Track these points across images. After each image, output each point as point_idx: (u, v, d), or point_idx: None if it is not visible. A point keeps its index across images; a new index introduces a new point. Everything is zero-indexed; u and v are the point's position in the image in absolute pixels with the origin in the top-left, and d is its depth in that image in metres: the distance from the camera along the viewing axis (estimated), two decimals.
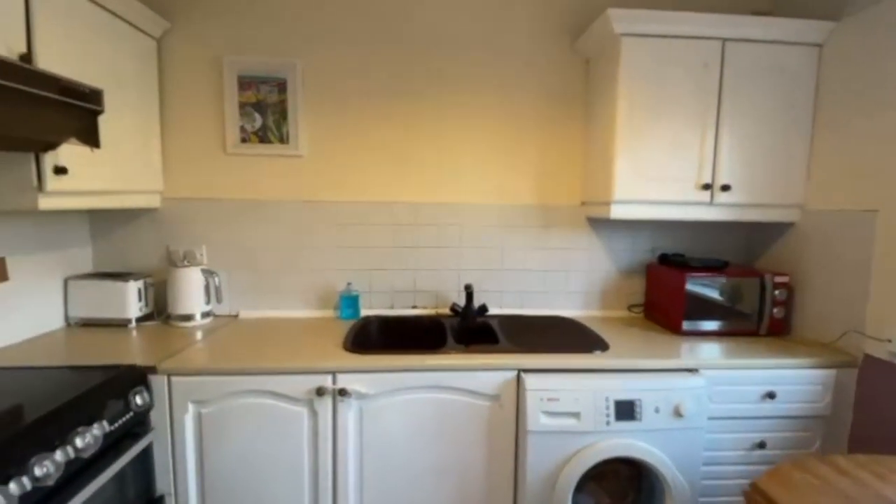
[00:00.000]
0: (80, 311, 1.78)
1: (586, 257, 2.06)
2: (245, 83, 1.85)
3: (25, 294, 1.59)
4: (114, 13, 1.56)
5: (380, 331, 1.90)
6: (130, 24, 1.65)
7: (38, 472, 0.94)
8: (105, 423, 1.16)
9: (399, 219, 1.97)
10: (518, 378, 1.44)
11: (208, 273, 1.84)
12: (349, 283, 1.92)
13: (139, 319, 1.82)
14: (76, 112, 1.20)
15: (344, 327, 1.77)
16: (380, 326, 1.90)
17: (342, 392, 1.40)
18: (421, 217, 1.97)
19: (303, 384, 1.40)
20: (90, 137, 1.26)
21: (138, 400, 1.28)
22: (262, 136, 1.88)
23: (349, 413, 1.43)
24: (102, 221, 1.90)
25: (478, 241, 2.01)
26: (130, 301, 1.78)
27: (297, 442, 1.43)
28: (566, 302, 2.07)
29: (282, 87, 1.86)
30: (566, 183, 2.02)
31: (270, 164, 1.91)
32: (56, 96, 1.08)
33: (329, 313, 1.97)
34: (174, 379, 1.38)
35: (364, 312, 1.96)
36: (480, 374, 1.44)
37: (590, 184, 1.93)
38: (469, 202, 1.99)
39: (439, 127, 1.95)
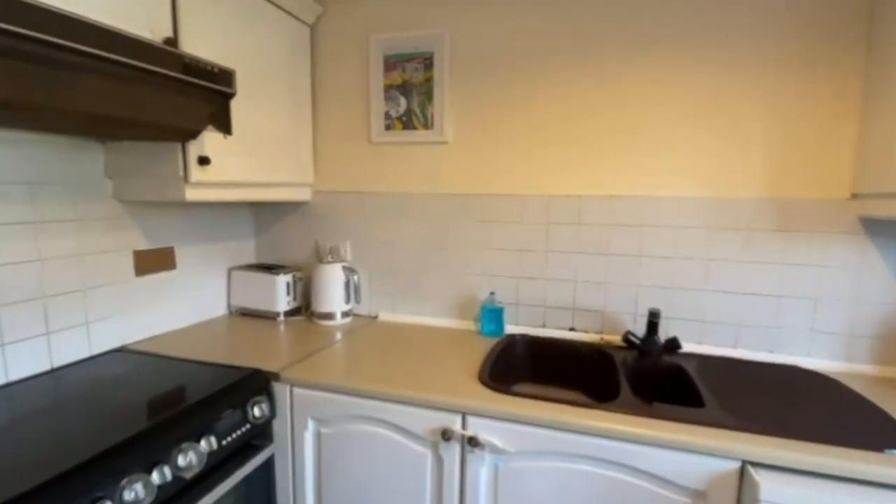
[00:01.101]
0: (239, 301, 1.83)
1: (853, 280, 1.33)
2: (391, 63, 1.66)
3: (192, 282, 1.68)
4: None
5: (527, 356, 1.52)
6: (283, 10, 1.59)
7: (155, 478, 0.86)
8: (221, 433, 1.06)
9: (558, 216, 1.55)
10: (742, 473, 0.91)
11: (349, 271, 1.72)
12: (492, 293, 1.59)
13: (287, 313, 1.79)
14: (209, 95, 1.12)
15: (483, 346, 1.45)
16: (527, 350, 1.53)
17: (472, 441, 1.07)
18: (587, 215, 1.52)
19: (427, 421, 1.12)
20: (222, 124, 1.17)
21: (256, 411, 1.17)
22: (407, 122, 1.67)
23: (481, 468, 1.10)
24: (263, 214, 1.94)
25: (668, 249, 1.46)
26: (279, 294, 1.77)
27: (420, 485, 1.16)
28: (811, 346, 1.37)
29: (428, 62, 1.62)
30: (822, 164, 1.33)
31: (414, 152, 1.70)
32: (177, 74, 0.98)
33: (469, 325, 1.67)
34: (296, 391, 1.24)
35: (509, 329, 1.61)
36: (677, 456, 0.95)
37: (874, 165, 1.21)
38: (656, 195, 1.46)
39: (617, 98, 1.46)
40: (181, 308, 1.64)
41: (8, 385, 1.14)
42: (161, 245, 1.56)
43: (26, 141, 1.17)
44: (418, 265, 1.74)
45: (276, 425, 1.27)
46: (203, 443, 1.01)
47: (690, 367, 1.29)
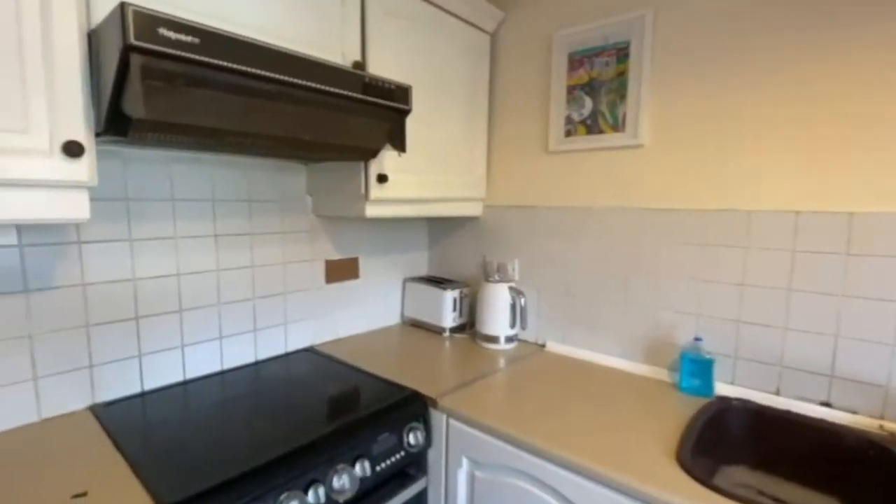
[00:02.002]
0: (411, 312, 1.87)
1: None
2: (576, 61, 1.46)
3: (372, 291, 1.77)
4: (448, 11, 1.47)
5: (747, 432, 1.13)
6: (465, 21, 1.55)
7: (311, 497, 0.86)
8: (376, 458, 1.04)
9: (811, 241, 1.11)
10: None
11: (516, 292, 1.58)
12: (697, 338, 1.24)
13: (453, 329, 1.75)
14: (386, 113, 1.11)
15: (682, 407, 1.13)
16: (748, 424, 1.13)
17: None
18: (864, 241, 1.05)
19: (603, 501, 0.89)
20: (398, 141, 1.16)
21: (412, 439, 1.12)
22: (591, 125, 1.45)
23: None
24: (437, 226, 1.95)
25: None
26: (446, 310, 1.74)
27: None
28: None
29: (622, 54, 1.37)
30: None
31: (598, 159, 1.46)
32: (360, 95, 0.99)
33: (660, 374, 1.34)
34: (452, 423, 1.15)
35: (720, 389, 1.23)
36: None
37: None
38: None
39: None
40: (361, 314, 1.74)
41: (222, 372, 1.34)
42: (348, 255, 1.68)
43: (244, 164, 1.36)
44: (597, 292, 1.48)
45: (431, 456, 1.20)
46: (357, 467, 0.99)
47: None
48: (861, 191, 1.04)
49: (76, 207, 0.82)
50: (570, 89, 1.48)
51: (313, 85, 0.91)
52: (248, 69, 0.81)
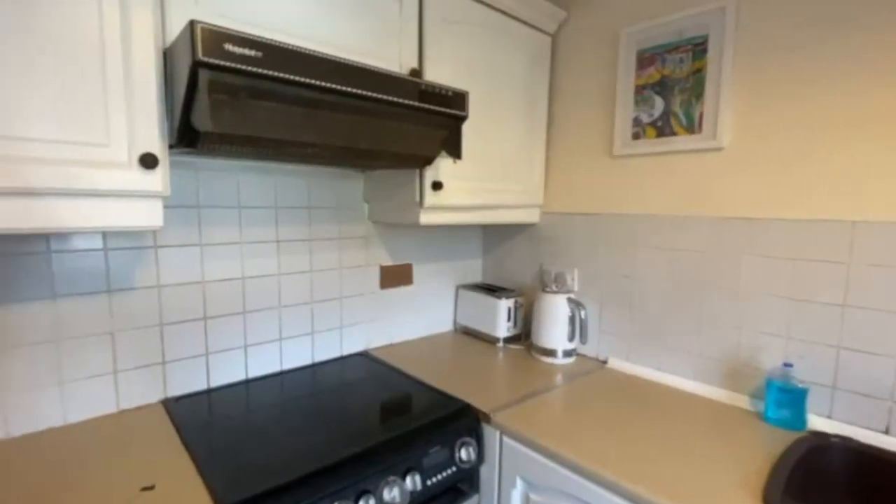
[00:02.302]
0: (464, 319, 1.84)
1: None
2: (645, 59, 1.37)
3: (425, 297, 1.76)
4: (508, 14, 1.43)
5: (850, 478, 0.98)
6: (526, 23, 1.50)
7: None
8: (427, 472, 1.01)
9: None
10: None
11: (575, 304, 1.50)
12: (787, 364, 1.10)
13: (507, 339, 1.70)
14: (442, 120, 1.09)
15: (768, 440, 1.00)
16: (850, 467, 0.98)
17: None
18: None
19: None
20: (453, 148, 1.13)
21: (463, 454, 1.08)
22: (662, 127, 1.34)
23: None
24: (491, 233, 1.91)
25: None
26: (500, 319, 1.69)
27: None
28: None
29: (699, 49, 1.25)
30: None
31: (670, 164, 1.35)
32: (415, 102, 0.97)
33: (740, 401, 1.21)
34: (506, 440, 1.10)
35: (815, 422, 1.08)
36: None
37: None
38: None
39: None
40: (414, 321, 1.73)
41: (281, 373, 1.38)
42: (402, 262, 1.68)
43: (306, 173, 1.39)
44: (666, 306, 1.37)
45: (484, 472, 1.16)
46: (408, 480, 0.97)
47: None
48: None
49: (151, 216, 0.87)
50: (639, 89, 1.38)
51: (369, 94, 0.90)
52: (307, 80, 0.82)
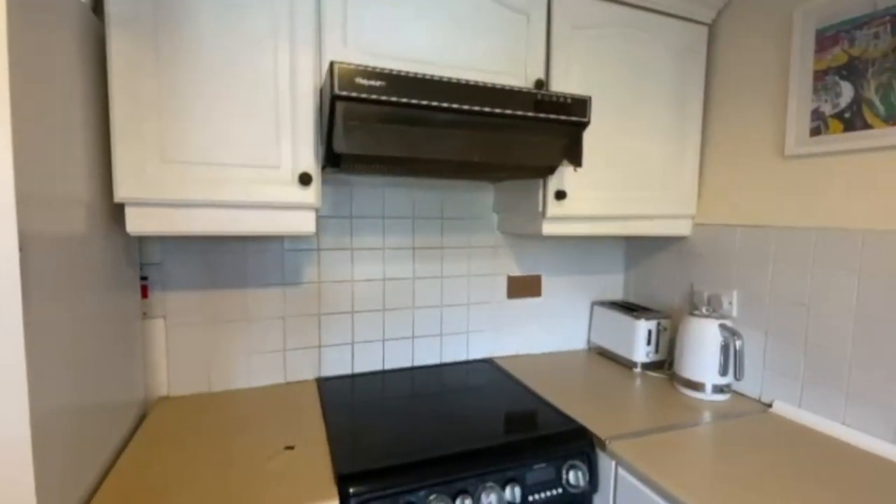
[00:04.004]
0: (598, 338, 1.73)
1: None
2: (827, 39, 1.11)
3: (555, 311, 1.72)
4: (652, 9, 1.33)
5: None
6: (673, 15, 1.37)
7: None
8: (529, 488, 1.00)
9: None
10: None
11: (730, 333, 1.28)
12: None
13: (646, 365, 1.54)
14: (562, 128, 1.07)
15: None
16: None
17: None
18: None
19: None
20: (574, 156, 1.10)
21: (571, 477, 1.03)
22: (851, 119, 1.07)
23: None
24: (635, 247, 1.76)
25: None
26: (638, 342, 1.54)
27: None
28: None
29: None
30: None
31: (863, 165, 1.06)
32: (526, 112, 0.99)
33: None
34: (622, 473, 1.01)
35: None
36: None
37: None
38: None
39: None
40: (541, 334, 1.70)
41: (412, 368, 1.51)
42: (530, 273, 1.67)
43: (440, 186, 1.51)
44: (857, 345, 1.07)
45: (598, 502, 1.07)
46: (507, 490, 0.97)
47: None
48: None
49: (305, 223, 1.06)
50: (820, 75, 1.13)
51: (479, 108, 0.95)
52: (422, 102, 0.91)
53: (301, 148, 1.03)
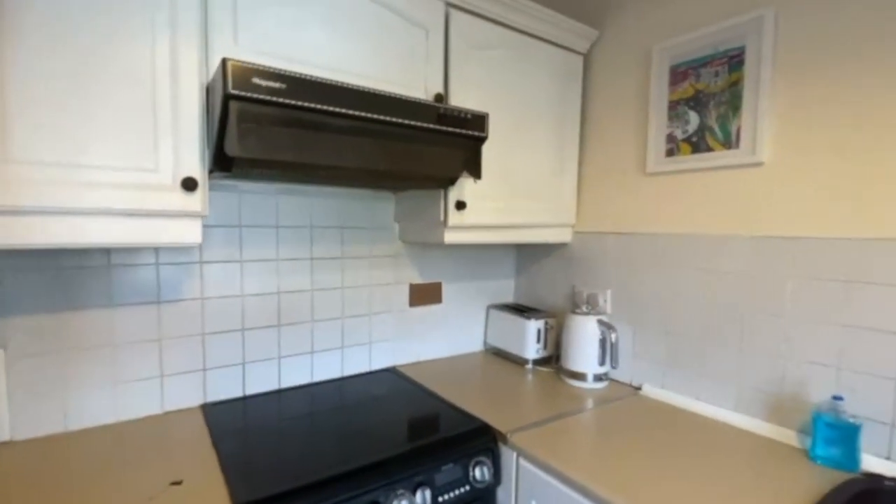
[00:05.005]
0: (493, 340, 1.83)
1: None
2: (679, 74, 1.33)
3: (454, 316, 1.77)
4: (537, 36, 1.46)
5: None
6: (555, 44, 1.52)
7: None
8: (438, 489, 1.01)
9: None
10: None
11: (606, 327, 1.45)
12: (837, 398, 1.00)
13: (536, 362, 1.67)
14: (462, 142, 1.12)
15: (812, 481, 0.91)
16: None
17: None
18: None
19: None
20: (474, 168, 1.16)
21: (478, 473, 1.07)
22: (697, 143, 1.29)
23: None
24: (525, 253, 1.90)
25: None
26: (529, 340, 1.66)
27: None
28: None
29: (735, 62, 1.21)
30: None
31: (706, 181, 1.29)
32: (430, 125, 1.01)
33: (787, 436, 1.10)
34: (523, 463, 1.08)
35: (868, 463, 0.96)
36: None
37: None
38: None
39: None
40: (443, 339, 1.75)
41: (311, 385, 1.44)
42: (431, 280, 1.71)
43: (340, 194, 1.47)
44: (705, 332, 1.29)
45: (501, 495, 1.13)
46: (418, 495, 0.97)
47: None
48: None
49: (190, 233, 0.96)
50: (673, 105, 1.35)
51: (386, 118, 0.95)
52: (327, 107, 0.88)
53: (184, 150, 0.93)
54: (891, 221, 0.97)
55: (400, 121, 0.98)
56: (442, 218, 1.32)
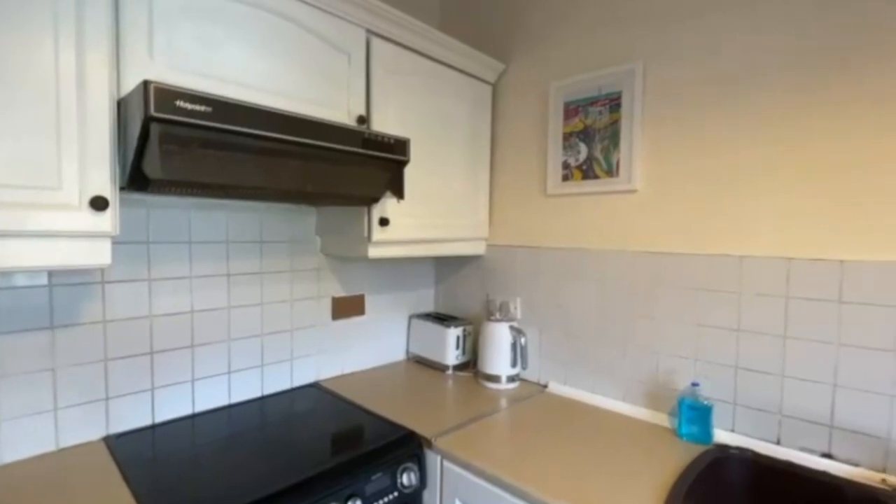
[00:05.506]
0: (416, 348, 1.90)
1: None
2: (571, 110, 1.53)
3: (378, 327, 1.82)
4: (450, 65, 1.58)
5: (745, 483, 1.10)
6: (468, 74, 1.65)
7: None
8: (368, 498, 1.06)
9: (804, 288, 1.11)
10: None
11: (517, 332, 1.60)
12: (695, 383, 1.23)
13: (456, 367, 1.77)
14: (385, 164, 1.19)
15: (679, 455, 1.11)
16: (746, 474, 1.11)
17: None
18: (855, 289, 1.05)
19: None
20: (397, 189, 1.23)
21: (405, 479, 1.13)
22: (587, 171, 1.50)
23: None
24: (444, 264, 2.01)
25: None
26: (449, 347, 1.76)
27: None
28: None
29: (614, 103, 1.43)
30: None
31: (594, 203, 1.50)
32: (359, 150, 1.07)
33: (661, 420, 1.33)
34: (447, 465, 1.17)
35: (721, 436, 1.21)
36: None
37: None
38: None
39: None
40: (367, 351, 1.78)
41: (229, 406, 1.39)
42: (354, 293, 1.74)
43: (259, 208, 1.45)
44: (597, 334, 1.49)
45: (426, 498, 1.21)
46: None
47: None
48: (851, 239, 1.05)
49: (99, 254, 0.90)
50: (567, 136, 1.54)
51: (315, 142, 0.99)
52: (256, 132, 0.90)
53: (92, 167, 0.88)
54: (726, 242, 1.23)
55: (327, 145, 1.02)
56: (366, 234, 1.37)
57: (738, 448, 1.14)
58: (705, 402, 1.19)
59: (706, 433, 1.19)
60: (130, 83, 0.91)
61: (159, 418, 1.27)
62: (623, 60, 1.41)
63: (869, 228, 1.03)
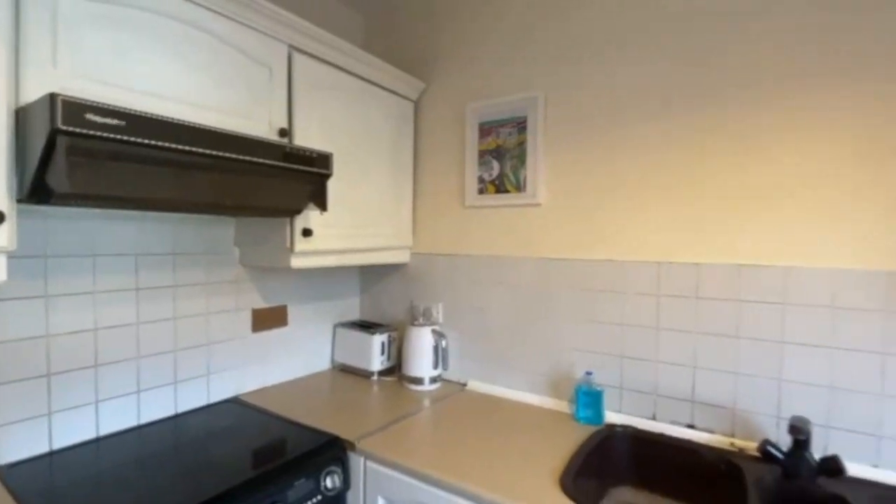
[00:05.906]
0: (341, 357, 1.93)
1: None
2: (485, 130, 1.68)
3: (301, 338, 1.82)
4: (372, 82, 1.65)
5: (629, 454, 1.29)
6: (390, 91, 1.73)
7: None
8: (294, 503, 1.08)
9: (671, 287, 1.33)
10: None
11: (438, 335, 1.70)
12: (588, 373, 1.41)
13: (382, 373, 1.83)
14: (308, 177, 1.23)
15: (577, 435, 1.27)
16: (630, 447, 1.30)
17: None
18: (708, 287, 1.28)
19: None
20: (320, 201, 1.27)
21: (329, 482, 1.17)
22: (499, 185, 1.65)
23: None
24: (368, 273, 2.05)
25: (823, 336, 1.14)
26: (374, 353, 1.81)
27: None
28: None
29: (521, 126, 1.59)
30: None
31: (506, 215, 1.65)
32: (281, 163, 1.10)
33: (564, 407, 1.49)
34: (369, 465, 1.22)
35: (610, 417, 1.39)
36: None
37: None
38: (804, 265, 1.16)
39: (749, 147, 1.23)
40: (290, 362, 1.78)
41: (139, 427, 1.33)
42: (276, 304, 1.73)
43: (172, 219, 1.41)
44: (509, 334, 1.64)
45: (350, 498, 1.25)
46: None
47: (860, 502, 0.94)
48: (704, 245, 1.29)
49: None
50: (482, 154, 1.68)
51: (232, 156, 1.01)
52: (171, 145, 0.90)
53: None
54: (612, 249, 1.43)
55: (246, 158, 1.04)
56: (288, 244, 1.39)
57: (622, 426, 1.33)
58: (597, 388, 1.37)
59: (598, 415, 1.36)
60: (30, 91, 0.87)
61: (58, 444, 1.19)
62: (528, 89, 1.58)
63: (714, 237, 1.27)
